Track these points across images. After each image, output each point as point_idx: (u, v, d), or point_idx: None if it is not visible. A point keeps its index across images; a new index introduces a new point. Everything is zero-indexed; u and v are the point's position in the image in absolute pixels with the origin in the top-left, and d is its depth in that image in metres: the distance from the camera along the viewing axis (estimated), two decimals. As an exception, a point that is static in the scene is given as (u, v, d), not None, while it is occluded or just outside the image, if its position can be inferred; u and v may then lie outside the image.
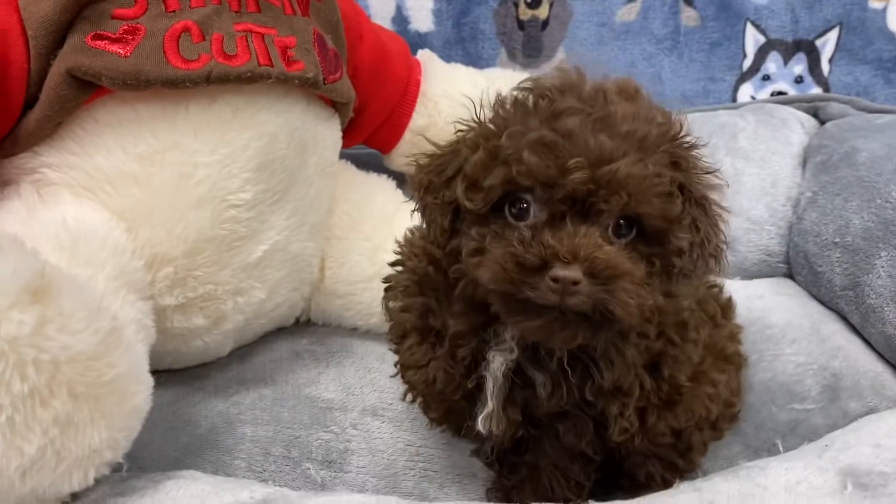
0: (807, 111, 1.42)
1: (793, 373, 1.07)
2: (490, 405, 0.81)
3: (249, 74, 0.92)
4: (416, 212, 0.77)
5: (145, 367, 0.82)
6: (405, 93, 1.25)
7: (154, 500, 0.77)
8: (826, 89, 1.56)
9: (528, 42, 1.54)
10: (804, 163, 1.34)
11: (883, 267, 1.07)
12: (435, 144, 0.77)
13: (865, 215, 1.13)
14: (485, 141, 0.70)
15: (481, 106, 0.74)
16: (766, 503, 0.76)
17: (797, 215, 1.29)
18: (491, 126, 0.71)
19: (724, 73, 1.57)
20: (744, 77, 1.58)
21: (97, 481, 0.76)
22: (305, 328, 1.20)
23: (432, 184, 0.74)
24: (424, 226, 0.77)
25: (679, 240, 0.69)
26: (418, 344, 0.84)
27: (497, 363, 0.78)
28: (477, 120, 0.74)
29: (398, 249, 0.87)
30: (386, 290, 0.89)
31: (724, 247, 0.74)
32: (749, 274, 1.32)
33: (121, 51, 0.88)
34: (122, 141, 0.91)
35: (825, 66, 1.56)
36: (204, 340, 1.02)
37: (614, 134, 0.66)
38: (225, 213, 0.95)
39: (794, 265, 1.29)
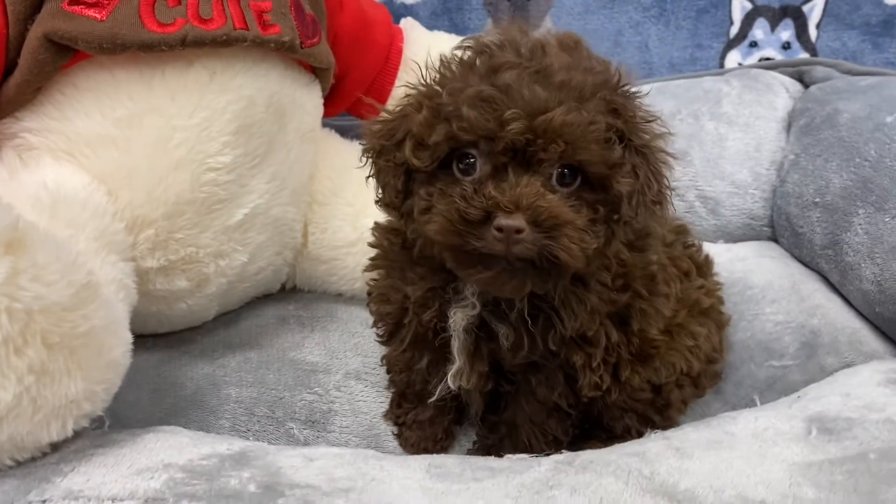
0: (792, 76, 1.42)
1: (771, 331, 1.08)
2: (458, 361, 0.83)
3: (225, 38, 0.93)
4: (369, 177, 0.79)
5: (124, 324, 0.84)
6: (387, 61, 1.25)
7: (133, 451, 0.78)
8: (814, 55, 1.56)
9: (515, 12, 1.55)
10: (789, 127, 1.34)
11: (860, 224, 1.08)
12: (385, 110, 0.79)
13: (844, 174, 1.13)
14: (428, 100, 0.72)
15: (427, 68, 0.75)
16: (732, 448, 0.77)
17: (780, 178, 1.29)
18: (435, 86, 0.73)
19: (711, 41, 1.57)
20: (731, 44, 1.57)
21: (77, 434, 0.78)
22: (291, 294, 1.22)
23: (384, 147, 0.76)
24: (379, 191, 0.78)
25: (621, 185, 0.70)
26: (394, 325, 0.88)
27: (459, 318, 0.80)
28: (423, 82, 0.75)
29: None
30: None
31: (669, 193, 0.77)
32: (734, 237, 1.33)
33: (97, 15, 0.89)
34: (100, 105, 0.93)
35: (812, 32, 1.56)
36: (187, 303, 1.03)
37: (550, 84, 0.68)
38: (204, 176, 0.96)
39: (777, 228, 1.30)
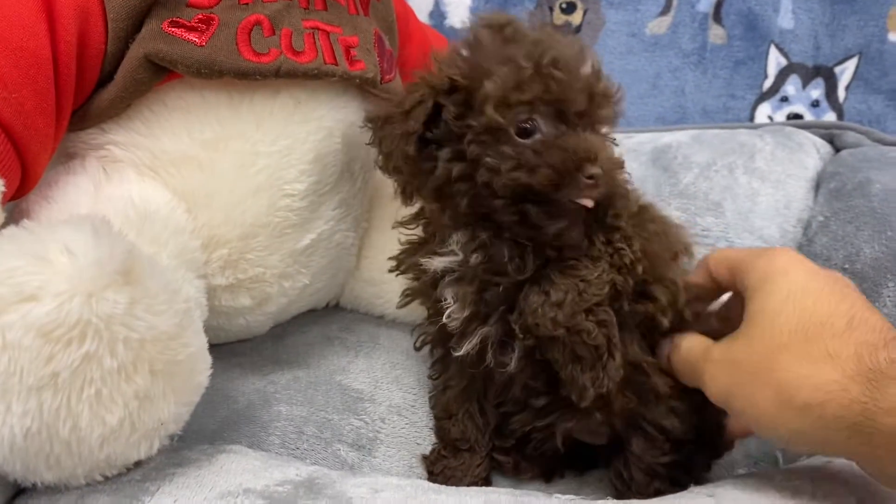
0: (823, 137, 1.47)
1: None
2: (449, 299, 0.88)
3: (316, 72, 0.96)
4: (371, 144, 0.87)
5: (206, 346, 0.87)
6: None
7: (210, 472, 0.81)
8: (840, 115, 1.62)
9: (560, 47, 1.58)
10: (817, 187, 1.40)
11: (889, 297, 1.13)
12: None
13: (876, 245, 1.19)
14: (492, 66, 0.79)
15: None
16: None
17: (807, 238, 1.35)
18: (458, 62, 0.82)
19: (745, 92, 1.62)
20: (763, 97, 1.63)
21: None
22: (335, 313, 1.25)
23: (392, 115, 0.83)
24: (380, 157, 0.86)
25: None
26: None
27: (438, 264, 0.88)
28: (441, 59, 0.85)
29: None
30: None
31: None
32: (758, 290, 1.38)
33: (196, 39, 0.91)
34: (188, 126, 0.95)
35: (841, 93, 1.62)
36: (246, 319, 1.06)
37: (594, 56, 0.80)
38: (280, 202, 0.99)
39: (801, 285, 1.35)
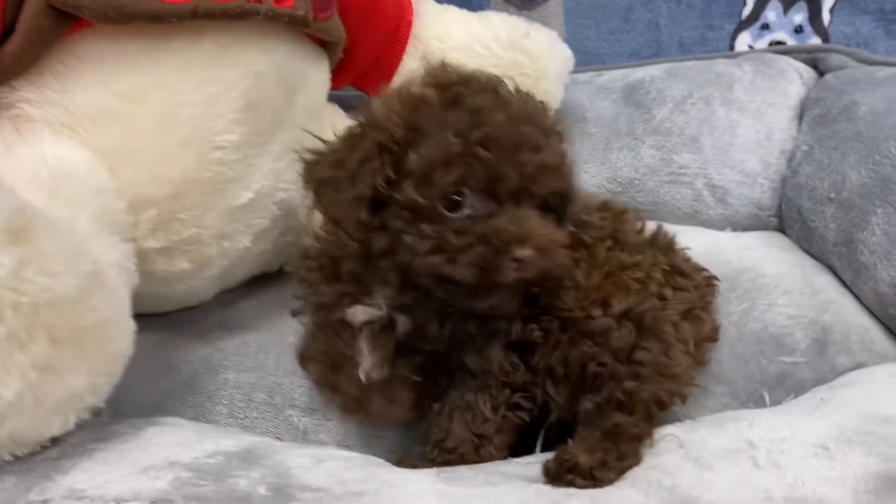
0: (806, 62, 1.39)
1: (784, 324, 1.06)
2: (367, 355, 0.84)
3: (238, 11, 0.89)
4: (313, 208, 0.81)
5: (128, 311, 0.81)
6: (396, 34, 1.21)
7: (136, 446, 0.76)
8: (826, 40, 1.54)
9: (525, -16, 1.51)
10: (801, 115, 1.32)
11: (878, 224, 1.06)
12: (320, 139, 0.81)
13: (863, 171, 1.11)
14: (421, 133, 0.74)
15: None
16: (752, 460, 0.76)
17: (792, 169, 1.27)
18: (396, 120, 0.75)
19: (723, 21, 1.54)
20: (742, 26, 1.54)
21: (77, 426, 0.75)
22: (290, 276, 1.18)
23: (334, 178, 0.77)
24: (326, 221, 0.82)
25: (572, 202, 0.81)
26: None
27: (360, 313, 0.83)
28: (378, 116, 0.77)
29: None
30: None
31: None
32: (740, 227, 1.30)
33: (103, -18, 0.84)
34: (103, 77, 0.88)
35: (826, 16, 1.53)
36: (188, 284, 1.00)
37: (531, 125, 0.75)
38: (210, 155, 0.92)
39: (786, 219, 1.28)
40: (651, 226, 0.98)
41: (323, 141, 0.81)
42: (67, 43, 0.87)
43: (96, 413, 0.79)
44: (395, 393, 0.87)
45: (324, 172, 0.78)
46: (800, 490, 0.71)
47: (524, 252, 0.72)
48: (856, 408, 0.85)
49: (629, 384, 0.84)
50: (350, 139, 0.78)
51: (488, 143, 0.72)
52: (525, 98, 0.79)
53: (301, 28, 0.97)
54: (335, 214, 0.78)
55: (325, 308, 0.87)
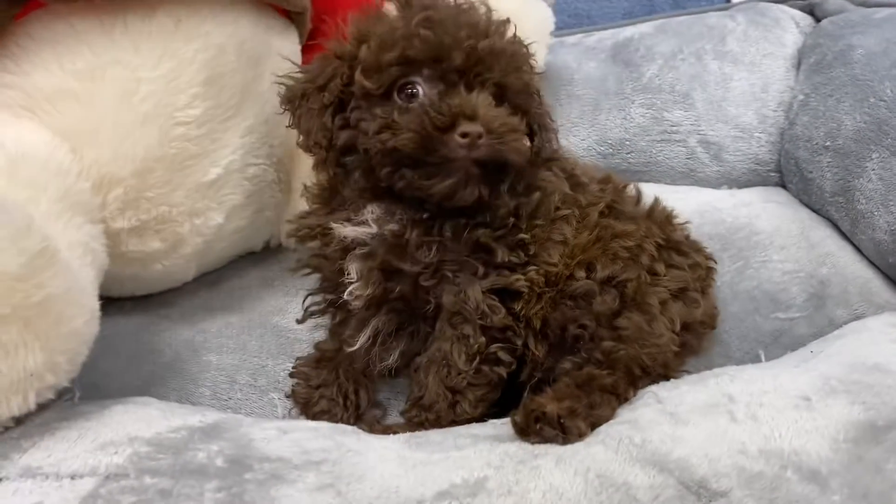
0: (803, 9, 1.34)
1: (779, 280, 1.03)
2: (353, 274, 0.85)
3: (189, -19, 0.87)
4: (290, 126, 0.85)
5: (88, 291, 0.80)
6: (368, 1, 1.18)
7: (99, 424, 0.75)
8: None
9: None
10: (799, 64, 1.27)
11: (874, 170, 1.02)
12: (297, 65, 0.88)
13: (858, 116, 1.07)
14: (376, 28, 0.80)
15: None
16: (729, 414, 0.73)
17: (789, 120, 1.23)
18: (354, 31, 0.82)
19: (720, -28, 1.49)
20: (741, -25, 1.49)
21: (44, 407, 0.75)
22: (276, 253, 1.17)
23: (307, 90, 0.83)
24: (301, 136, 0.84)
25: (535, 109, 0.83)
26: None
27: (350, 233, 0.84)
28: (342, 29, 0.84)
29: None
30: None
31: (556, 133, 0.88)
32: (739, 183, 1.27)
33: (49, -41, 0.83)
34: (59, 57, 0.88)
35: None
36: (163, 264, 0.99)
37: (482, 17, 0.80)
38: (173, 131, 0.91)
39: (785, 173, 1.23)
40: (649, 200, 0.95)
41: (299, 66, 0.88)
42: (21, 24, 0.87)
43: (69, 396, 0.79)
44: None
45: (297, 89, 0.84)
46: (775, 442, 0.68)
47: (470, 127, 0.74)
48: (845, 358, 0.82)
49: (608, 344, 0.82)
50: (320, 60, 0.84)
51: (429, 24, 0.76)
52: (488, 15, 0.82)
53: (261, -2, 0.95)
54: (305, 125, 0.83)
55: (321, 240, 0.88)
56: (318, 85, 0.82)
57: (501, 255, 0.83)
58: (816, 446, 0.67)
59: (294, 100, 0.84)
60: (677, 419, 0.73)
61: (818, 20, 1.31)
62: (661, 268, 0.87)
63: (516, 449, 0.72)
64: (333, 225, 0.84)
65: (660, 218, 0.93)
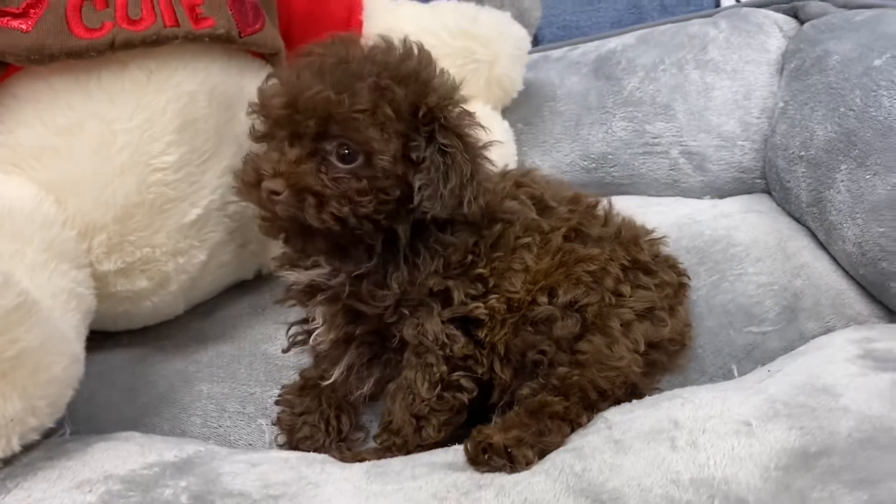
0: (787, 13, 1.33)
1: (753, 294, 1.04)
2: (318, 319, 0.90)
3: (155, 38, 0.92)
4: None
5: (70, 336, 0.85)
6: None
7: (79, 462, 0.79)
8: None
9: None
10: (782, 70, 1.27)
11: (843, 181, 1.02)
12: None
13: (829, 126, 1.06)
14: None
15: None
16: (670, 441, 0.75)
17: (771, 128, 1.22)
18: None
19: (706, -21, 1.48)
20: (727, -20, 1.49)
21: (33, 446, 0.80)
22: (268, 281, 1.20)
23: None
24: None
25: (382, 162, 0.80)
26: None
27: (302, 278, 0.90)
28: None
29: None
30: None
31: (473, 191, 0.83)
32: (723, 193, 1.27)
33: (22, 26, 0.88)
34: (40, 115, 0.93)
35: (815, -39, 1.44)
36: (152, 301, 1.04)
37: (320, 73, 0.80)
38: (150, 178, 0.96)
39: (769, 181, 1.23)
40: (617, 219, 0.96)
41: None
42: (4, 86, 0.93)
43: (60, 432, 0.84)
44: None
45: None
46: (708, 470, 0.70)
47: (268, 184, 0.78)
48: (798, 378, 0.83)
49: (563, 370, 0.84)
50: None
51: (260, 94, 0.83)
52: (362, 52, 0.84)
53: (227, 45, 0.99)
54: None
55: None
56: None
57: (458, 296, 0.86)
58: (747, 474, 0.69)
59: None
60: (620, 446, 0.76)
61: (802, 24, 1.30)
62: (626, 289, 0.89)
63: (465, 479, 0.76)
64: (284, 273, 0.88)
65: (627, 238, 0.94)
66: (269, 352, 1.08)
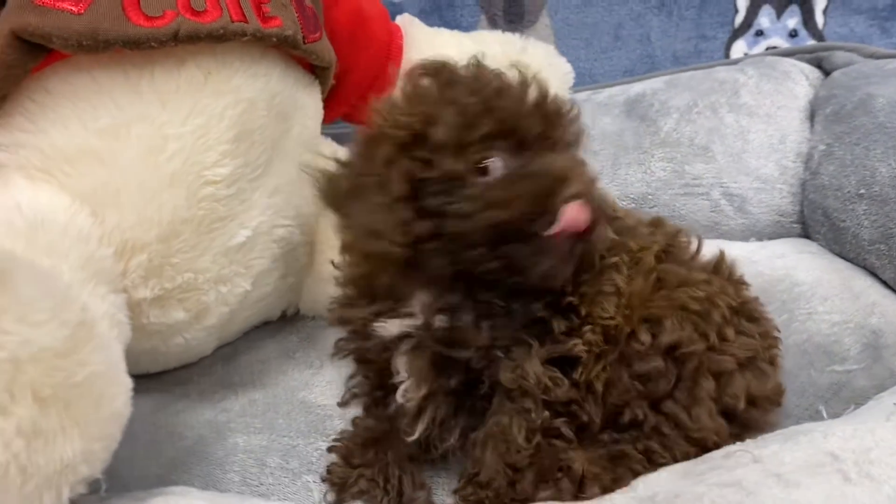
0: (809, 62, 1.34)
1: (829, 332, 0.99)
2: (403, 374, 0.79)
3: (222, 32, 0.82)
4: (342, 226, 0.76)
5: (122, 367, 0.71)
6: (387, 60, 1.14)
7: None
8: (821, 42, 1.50)
9: (509, 7, 1.45)
10: (812, 116, 1.27)
11: (916, 215, 1.00)
12: (331, 158, 0.78)
13: (893, 162, 1.05)
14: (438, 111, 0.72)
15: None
16: (841, 473, 0.67)
17: (811, 171, 1.21)
18: (406, 114, 0.73)
19: (716, 31, 1.50)
20: (736, 34, 1.51)
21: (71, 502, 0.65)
22: (293, 322, 1.10)
23: (360, 187, 0.73)
24: (359, 235, 0.75)
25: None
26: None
27: (394, 328, 0.78)
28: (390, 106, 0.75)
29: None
30: None
31: None
32: (762, 235, 1.24)
33: (73, 7, 0.77)
34: (79, 113, 0.81)
35: (819, 19, 1.50)
36: (185, 337, 0.91)
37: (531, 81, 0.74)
38: (201, 191, 0.85)
39: (811, 223, 1.21)
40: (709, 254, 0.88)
41: (332, 159, 0.77)
42: (37, 79, 0.81)
43: (94, 488, 0.70)
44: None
45: (347, 185, 0.75)
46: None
47: (574, 188, 0.69)
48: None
49: (649, 443, 0.78)
50: (364, 148, 0.75)
51: (502, 94, 0.72)
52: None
53: (290, 50, 0.90)
54: (371, 224, 0.72)
55: (361, 337, 0.82)
56: (378, 179, 0.72)
57: (557, 326, 0.77)
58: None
59: (344, 199, 0.75)
60: (786, 481, 0.67)
61: (826, 73, 1.32)
62: (730, 333, 0.80)
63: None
64: (376, 325, 0.78)
65: (729, 274, 0.86)
66: (308, 400, 0.96)
